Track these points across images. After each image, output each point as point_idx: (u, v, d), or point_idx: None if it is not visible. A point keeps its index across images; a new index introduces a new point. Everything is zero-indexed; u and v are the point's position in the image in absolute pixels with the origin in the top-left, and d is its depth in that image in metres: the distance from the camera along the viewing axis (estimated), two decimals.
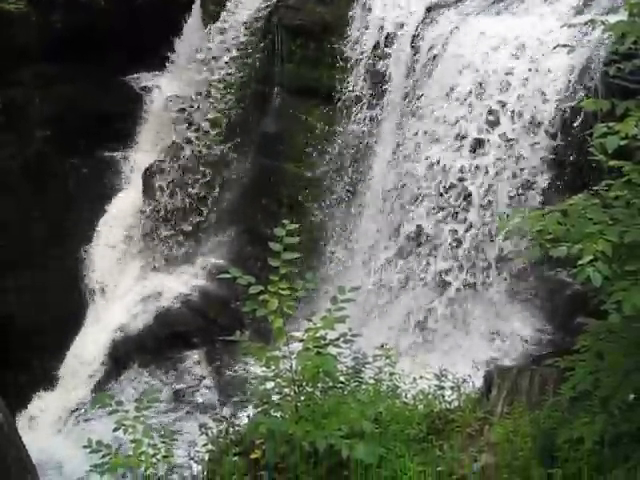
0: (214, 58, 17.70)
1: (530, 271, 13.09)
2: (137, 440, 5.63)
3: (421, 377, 8.07)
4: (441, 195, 14.41)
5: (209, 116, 17.83)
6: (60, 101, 18.07)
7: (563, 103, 13.36)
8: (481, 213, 14.08)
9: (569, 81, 13.42)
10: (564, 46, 10.71)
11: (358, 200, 16.13)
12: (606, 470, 5.14)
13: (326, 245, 16.11)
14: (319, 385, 5.97)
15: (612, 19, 5.36)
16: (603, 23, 5.27)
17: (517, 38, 14.08)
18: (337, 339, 5.77)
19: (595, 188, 5.42)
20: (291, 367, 5.63)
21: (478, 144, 14.20)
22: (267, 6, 17.43)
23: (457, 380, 7.90)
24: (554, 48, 12.33)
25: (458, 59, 14.61)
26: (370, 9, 16.30)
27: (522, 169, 13.75)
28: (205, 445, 6.59)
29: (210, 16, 18.13)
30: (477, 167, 14.17)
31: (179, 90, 18.43)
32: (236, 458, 5.84)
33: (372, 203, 15.82)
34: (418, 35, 15.47)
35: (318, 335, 5.64)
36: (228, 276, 5.54)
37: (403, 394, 7.57)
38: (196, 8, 18.65)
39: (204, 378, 15.80)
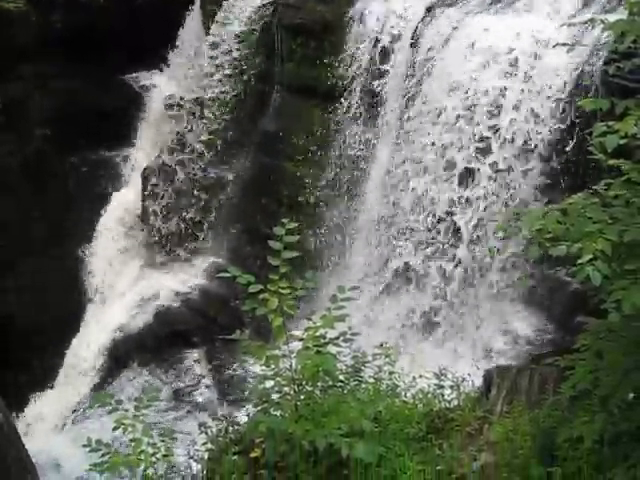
0: (212, 58, 17.72)
1: (530, 271, 13.07)
2: (137, 439, 5.64)
3: (420, 376, 8.06)
4: (429, 230, 13.95)
5: (202, 138, 17.80)
6: (60, 100, 18.07)
7: (558, 123, 12.98)
8: (471, 248, 13.61)
9: (564, 102, 12.96)
10: (564, 45, 10.72)
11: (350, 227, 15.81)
12: (606, 469, 5.14)
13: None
14: (319, 384, 5.97)
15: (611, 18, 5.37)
16: (602, 22, 5.27)
17: (510, 52, 13.55)
18: (337, 338, 5.77)
19: (594, 187, 5.41)
20: (291, 366, 5.63)
21: (468, 174, 13.68)
22: (267, 5, 17.43)
23: (457, 379, 7.90)
24: (554, 47, 12.28)
25: (446, 78, 14.08)
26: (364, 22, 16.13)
27: (514, 198, 13.23)
28: (205, 444, 6.59)
29: (209, 15, 18.12)
30: (467, 200, 13.67)
31: (179, 89, 18.44)
32: (236, 457, 5.84)
33: (364, 229, 15.43)
34: (415, 43, 15.19)
35: (318, 334, 5.64)
36: (228, 275, 5.54)
37: (403, 393, 7.57)
38: (196, 7, 18.64)
39: (204, 377, 15.81)
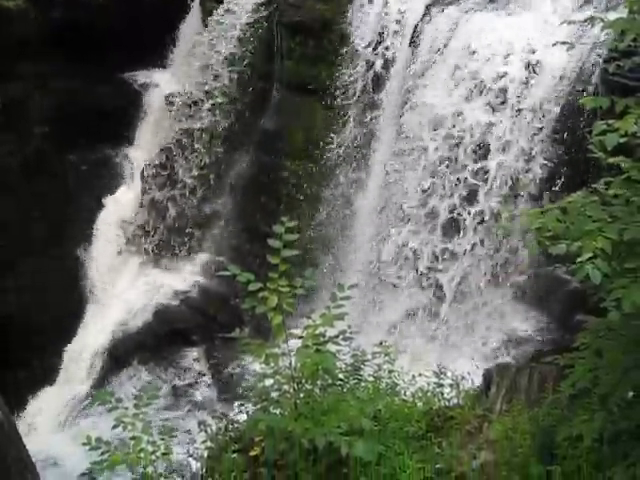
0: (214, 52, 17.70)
1: (529, 269, 13.06)
2: (136, 437, 5.63)
3: (420, 374, 8.07)
4: (411, 287, 13.18)
5: (194, 173, 17.75)
6: (59, 98, 18.06)
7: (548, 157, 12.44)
8: (454, 306, 13.00)
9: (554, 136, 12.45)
10: (563, 43, 10.67)
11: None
12: (605, 467, 5.14)
13: None
14: (318, 382, 5.97)
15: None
16: (602, 20, 5.27)
17: (499, 78, 12.95)
18: (336, 336, 5.77)
19: (594, 186, 5.41)
20: (290, 364, 5.63)
21: (452, 224, 12.93)
22: (266, 3, 17.42)
23: (456, 377, 7.91)
24: (553, 45, 12.19)
25: (427, 111, 13.37)
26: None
27: (499, 249, 12.66)
28: (204, 442, 6.59)
29: (209, 13, 18.11)
30: (452, 253, 12.90)
31: (179, 87, 18.42)
32: (235, 455, 5.84)
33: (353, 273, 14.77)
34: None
35: (317, 332, 5.64)
36: (227, 273, 5.54)
37: (402, 391, 7.58)
38: (195, 5, 18.63)
39: (203, 375, 15.81)
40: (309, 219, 15.88)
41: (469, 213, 12.96)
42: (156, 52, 18.45)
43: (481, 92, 13.23)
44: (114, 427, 5.68)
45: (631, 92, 5.55)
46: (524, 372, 7.38)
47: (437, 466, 5.74)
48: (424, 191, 13.24)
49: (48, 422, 15.63)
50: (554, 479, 5.37)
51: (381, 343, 8.04)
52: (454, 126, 13.32)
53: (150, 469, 5.60)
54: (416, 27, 15.16)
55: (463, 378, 7.96)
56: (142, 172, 18.09)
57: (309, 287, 5.58)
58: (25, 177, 17.77)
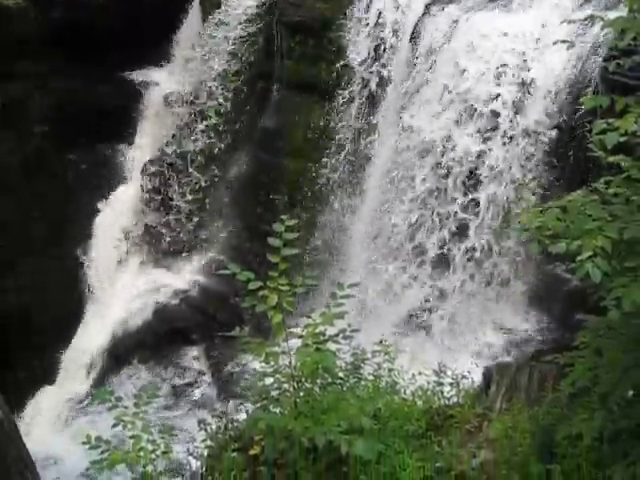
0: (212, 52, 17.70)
1: (529, 268, 13.05)
2: (136, 436, 5.64)
3: (420, 373, 8.07)
4: (394, 335, 12.61)
5: (189, 197, 17.71)
6: (59, 97, 18.05)
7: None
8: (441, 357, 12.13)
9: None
10: (563, 42, 10.62)
11: None
12: (605, 466, 5.14)
13: None
14: (318, 381, 5.97)
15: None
16: (602, 19, 5.27)
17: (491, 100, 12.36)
18: (336, 335, 5.77)
19: (594, 184, 5.41)
20: (290, 363, 5.63)
21: (441, 260, 12.47)
22: (266, 2, 17.42)
23: (456, 376, 7.91)
24: (553, 44, 12.12)
25: (414, 136, 12.90)
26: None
27: (490, 282, 12.34)
28: (204, 441, 6.59)
29: (208, 11, 18.10)
30: (440, 292, 12.43)
31: (178, 86, 18.42)
32: (235, 454, 5.84)
33: None
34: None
35: (317, 331, 5.64)
36: (227, 272, 5.54)
37: (402, 390, 7.58)
38: (195, 4, 18.63)
39: (203, 374, 15.82)
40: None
41: (459, 249, 12.54)
42: (156, 51, 18.44)
43: (472, 116, 12.77)
44: (114, 426, 5.68)
45: (631, 91, 5.55)
46: (524, 371, 7.37)
47: (437, 465, 5.74)
48: (411, 225, 12.81)
49: (48, 421, 15.63)
50: (554, 478, 5.37)
51: (381, 342, 8.04)
52: (443, 154, 12.83)
53: (150, 468, 5.60)
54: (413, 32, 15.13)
55: (463, 377, 7.96)
56: (142, 171, 18.09)
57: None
58: (25, 176, 17.76)
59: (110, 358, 16.30)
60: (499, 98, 12.61)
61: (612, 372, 5.19)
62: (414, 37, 14.83)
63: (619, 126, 4.89)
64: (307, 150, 16.63)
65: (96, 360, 16.31)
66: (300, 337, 5.67)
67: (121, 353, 16.33)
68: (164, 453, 5.75)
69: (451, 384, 7.81)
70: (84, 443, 5.64)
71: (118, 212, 18.30)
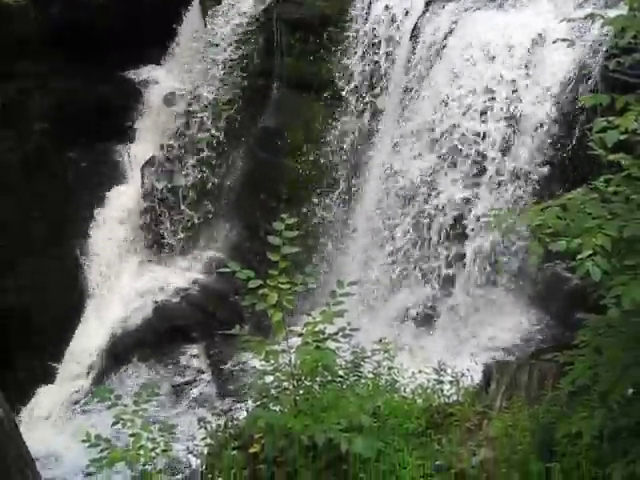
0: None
1: (529, 266, 13.01)
2: (136, 434, 5.64)
3: (420, 371, 8.07)
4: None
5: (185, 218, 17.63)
6: (59, 95, 18.03)
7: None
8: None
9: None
10: (563, 40, 10.62)
11: None
12: (605, 464, 5.14)
13: None
14: (318, 379, 5.97)
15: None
16: (602, 17, 5.27)
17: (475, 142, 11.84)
18: (336, 333, 5.77)
19: (594, 183, 5.41)
20: (290, 361, 5.63)
21: (425, 320, 11.80)
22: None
23: (456, 374, 7.91)
24: (554, 42, 12.09)
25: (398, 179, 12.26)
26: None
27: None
28: (204, 439, 6.60)
29: (209, 9, 18.08)
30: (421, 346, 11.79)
31: (179, 84, 18.42)
32: (235, 452, 5.84)
33: None
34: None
35: (317, 329, 5.64)
36: (227, 270, 5.54)
37: (402, 388, 7.58)
38: (195, 3, 18.62)
39: (203, 372, 15.82)
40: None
41: (444, 306, 11.97)
42: (156, 51, 18.44)
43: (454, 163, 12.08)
44: (114, 424, 5.68)
45: (631, 89, 5.55)
46: (524, 369, 7.37)
47: (437, 463, 5.75)
48: (391, 280, 12.12)
49: (48, 419, 15.63)
50: (553, 476, 5.38)
51: (380, 340, 8.04)
52: (426, 202, 12.20)
53: (150, 466, 5.60)
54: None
55: (463, 375, 7.96)
56: (142, 169, 18.08)
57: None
58: (25, 176, 17.75)
59: (110, 356, 16.29)
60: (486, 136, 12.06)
61: (612, 370, 5.19)
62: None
63: (619, 124, 4.89)
64: (307, 148, 16.62)
65: (96, 358, 16.30)
66: (300, 335, 5.67)
67: (121, 351, 16.32)
68: (164, 451, 5.76)
69: (451, 382, 7.81)
70: (84, 441, 5.64)
71: (118, 210, 18.30)
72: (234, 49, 17.46)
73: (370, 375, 7.24)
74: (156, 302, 16.79)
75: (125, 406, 5.74)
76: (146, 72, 19.08)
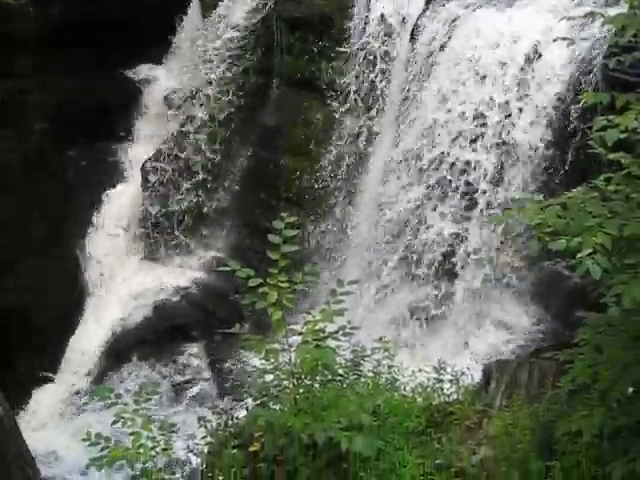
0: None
1: (529, 265, 13.00)
2: (136, 433, 5.64)
3: (420, 370, 8.07)
4: None
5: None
6: (59, 95, 18.01)
7: None
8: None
9: None
10: (564, 39, 10.61)
11: None
12: (605, 463, 5.14)
13: None
14: (318, 378, 5.97)
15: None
16: (603, 16, 5.26)
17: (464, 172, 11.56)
18: (336, 332, 5.77)
19: (594, 182, 5.41)
20: (290, 360, 5.63)
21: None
22: None
23: (456, 373, 7.91)
24: (554, 41, 12.06)
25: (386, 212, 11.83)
26: None
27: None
28: (204, 438, 6.60)
29: (209, 8, 18.08)
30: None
31: (179, 83, 18.42)
32: (235, 451, 5.84)
33: None
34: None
35: (317, 328, 5.64)
36: (227, 269, 5.54)
37: (402, 387, 7.58)
38: (195, 2, 18.61)
39: (203, 371, 15.82)
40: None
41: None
42: (156, 49, 18.43)
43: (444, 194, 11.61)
44: (114, 423, 5.68)
45: (631, 88, 5.55)
46: (524, 367, 7.38)
47: (437, 461, 5.75)
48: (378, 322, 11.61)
49: (48, 418, 15.64)
50: (553, 474, 5.38)
51: (380, 339, 8.05)
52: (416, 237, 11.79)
53: (150, 465, 5.60)
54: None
55: (463, 374, 7.97)
56: (142, 167, 18.08)
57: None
58: (25, 175, 17.73)
59: (110, 355, 16.29)
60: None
61: (612, 369, 5.19)
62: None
63: (619, 123, 4.89)
64: (307, 146, 16.61)
65: (96, 357, 16.31)
66: (300, 334, 5.67)
67: (121, 350, 16.33)
68: (164, 450, 5.76)
69: (451, 381, 7.81)
70: (84, 440, 5.64)
71: (118, 209, 18.29)
72: (234, 47, 17.45)
73: (370, 374, 7.24)
74: (156, 301, 16.79)
75: (125, 405, 5.74)
76: (146, 71, 19.08)
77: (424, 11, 14.88)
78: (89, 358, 16.36)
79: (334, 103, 16.15)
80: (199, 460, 6.46)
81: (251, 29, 17.35)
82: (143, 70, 19.08)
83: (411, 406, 6.86)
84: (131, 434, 5.63)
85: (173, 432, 5.95)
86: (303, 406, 5.50)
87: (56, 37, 17.45)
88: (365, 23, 15.70)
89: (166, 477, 5.79)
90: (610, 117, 4.98)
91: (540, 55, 11.67)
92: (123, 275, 17.66)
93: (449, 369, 7.97)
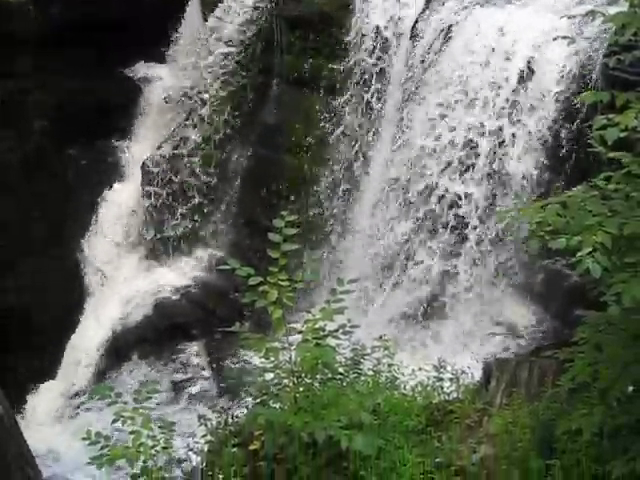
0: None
1: (529, 263, 13.01)
2: (136, 431, 5.64)
3: (420, 369, 8.07)
4: None
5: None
6: (59, 95, 18.01)
7: None
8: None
9: None
10: (564, 38, 10.61)
11: None
12: (605, 461, 5.15)
13: None
14: (318, 376, 5.97)
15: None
16: (603, 14, 5.26)
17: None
18: (336, 330, 5.77)
19: (594, 180, 5.41)
20: (290, 358, 5.63)
21: None
22: None
23: (456, 371, 7.91)
24: (554, 40, 12.05)
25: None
26: None
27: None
28: (204, 436, 6.60)
29: (209, 6, 18.07)
30: None
31: (179, 82, 18.41)
32: (235, 449, 5.85)
33: None
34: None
35: (317, 326, 5.65)
36: (227, 267, 5.54)
37: (402, 385, 7.58)
38: (195, 1, 18.60)
39: (203, 369, 15.82)
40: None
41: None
42: (157, 46, 18.41)
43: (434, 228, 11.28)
44: (114, 421, 5.68)
45: (631, 86, 5.54)
46: (524, 366, 7.38)
47: (437, 460, 5.75)
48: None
49: (48, 417, 15.64)
50: (553, 473, 5.38)
51: (381, 337, 8.05)
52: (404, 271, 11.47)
53: (150, 463, 5.61)
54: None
55: (463, 372, 7.97)
56: (142, 166, 18.08)
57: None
58: (25, 175, 17.73)
59: (110, 354, 16.29)
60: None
61: (612, 368, 5.19)
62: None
63: (619, 122, 4.89)
64: (307, 145, 16.61)
65: (96, 356, 16.31)
66: (300, 332, 5.67)
67: (121, 349, 16.33)
68: (164, 448, 5.76)
69: (451, 379, 7.81)
70: (84, 439, 5.64)
71: (117, 209, 18.29)
72: (234, 47, 17.44)
73: (370, 372, 7.25)
74: (156, 299, 16.79)
75: (125, 403, 5.74)
76: (146, 70, 19.07)
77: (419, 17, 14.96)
78: (89, 357, 16.36)
79: (334, 102, 16.19)
80: (199, 458, 6.46)
81: (251, 28, 17.33)
82: (144, 69, 19.07)
83: (411, 405, 6.86)
84: (131, 433, 5.63)
85: (173, 430, 5.95)
86: (303, 404, 5.50)
87: (56, 37, 17.44)
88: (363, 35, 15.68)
89: (166, 476, 5.79)
90: (610, 116, 4.98)
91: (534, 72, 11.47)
92: (123, 274, 17.66)
93: (449, 367, 7.97)
